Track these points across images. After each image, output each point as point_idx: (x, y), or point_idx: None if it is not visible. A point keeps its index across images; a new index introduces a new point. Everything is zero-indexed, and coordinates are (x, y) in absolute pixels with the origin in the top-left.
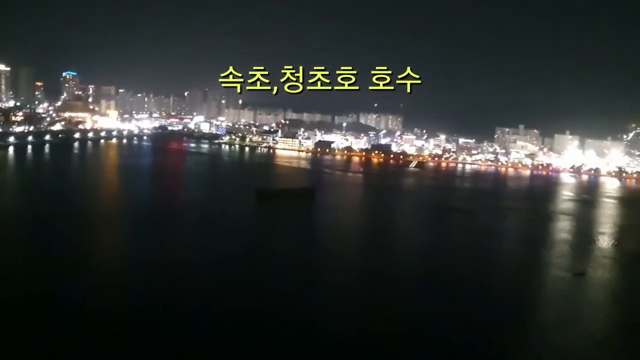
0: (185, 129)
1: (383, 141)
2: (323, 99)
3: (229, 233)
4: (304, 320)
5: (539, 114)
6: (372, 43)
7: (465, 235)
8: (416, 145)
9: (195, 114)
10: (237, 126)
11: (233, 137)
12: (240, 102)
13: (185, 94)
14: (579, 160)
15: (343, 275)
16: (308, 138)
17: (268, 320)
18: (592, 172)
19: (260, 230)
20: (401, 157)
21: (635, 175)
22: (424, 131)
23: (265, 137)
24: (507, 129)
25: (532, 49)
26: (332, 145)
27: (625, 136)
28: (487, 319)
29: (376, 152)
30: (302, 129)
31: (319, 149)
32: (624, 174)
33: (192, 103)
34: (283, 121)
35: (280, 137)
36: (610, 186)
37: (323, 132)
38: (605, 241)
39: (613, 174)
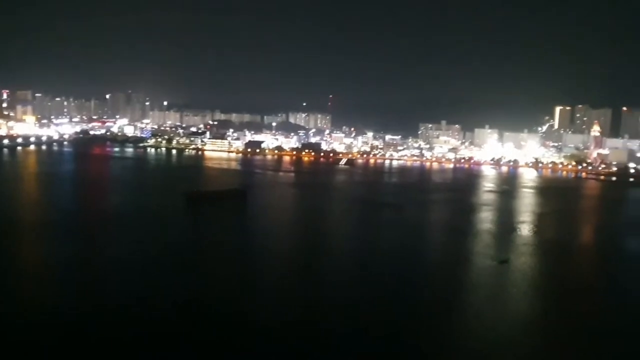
0: (109, 133)
1: (313, 140)
2: (252, 99)
3: (156, 238)
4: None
5: (460, 109)
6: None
7: (394, 229)
8: (345, 143)
9: (118, 117)
10: (163, 128)
11: (159, 139)
12: (165, 103)
13: (107, 96)
14: (498, 152)
15: (275, 271)
16: (237, 139)
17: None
18: (511, 163)
19: (190, 233)
20: (331, 155)
21: (550, 166)
22: (352, 129)
23: (193, 139)
24: (431, 125)
25: (453, 47)
26: (263, 145)
27: (540, 128)
28: (417, 306)
29: (306, 150)
30: (231, 130)
31: (249, 150)
32: (540, 165)
33: (114, 106)
34: (211, 122)
35: (209, 139)
36: (528, 176)
37: (253, 132)
38: (525, 229)
39: (530, 164)
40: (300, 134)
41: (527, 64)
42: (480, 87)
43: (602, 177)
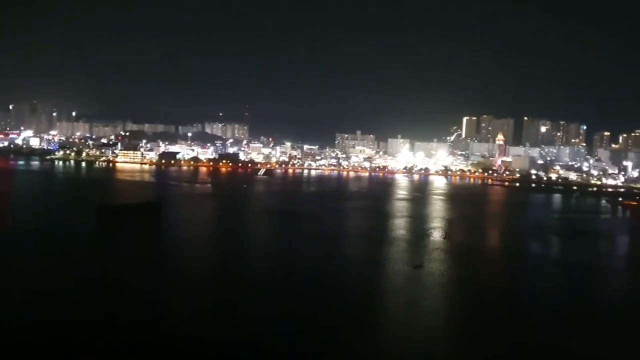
0: (12, 146)
1: (230, 150)
2: (166, 108)
3: (63, 256)
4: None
5: (374, 120)
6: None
7: (311, 238)
8: (263, 153)
9: (22, 128)
10: (71, 140)
11: (67, 152)
12: (74, 114)
13: (10, 107)
14: (410, 161)
15: (190, 284)
16: (151, 150)
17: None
18: (423, 171)
19: (101, 249)
20: (249, 165)
21: (458, 173)
22: (270, 139)
23: (103, 150)
24: (347, 135)
25: (367, 59)
26: (178, 156)
27: (449, 138)
28: (334, 315)
29: (224, 161)
30: (144, 141)
31: (163, 161)
32: (449, 172)
33: (18, 117)
34: (123, 133)
35: (121, 150)
36: (438, 184)
37: (167, 143)
38: (437, 234)
39: (440, 172)
40: (217, 145)
41: (437, 76)
42: (393, 98)
43: (506, 183)
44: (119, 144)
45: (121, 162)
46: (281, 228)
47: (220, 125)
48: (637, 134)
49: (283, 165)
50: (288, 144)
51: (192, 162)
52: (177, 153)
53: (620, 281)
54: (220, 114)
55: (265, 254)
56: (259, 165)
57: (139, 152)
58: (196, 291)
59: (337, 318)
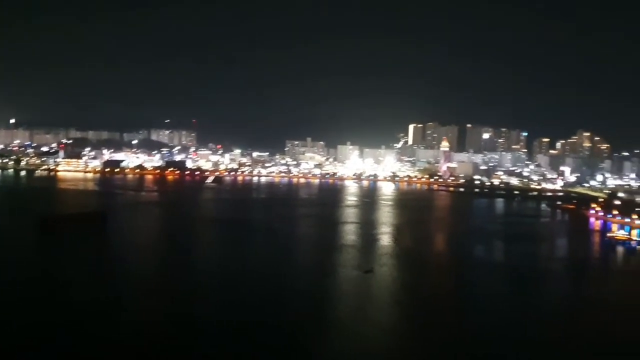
0: None
1: (177, 158)
2: (110, 115)
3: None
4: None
5: (324, 127)
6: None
7: (262, 245)
8: (212, 161)
9: None
10: (9, 148)
11: (5, 160)
12: (12, 121)
13: None
14: (360, 168)
15: (130, 296)
16: (95, 158)
17: None
18: (372, 178)
19: (44, 262)
20: (197, 172)
21: (406, 179)
22: (219, 146)
23: (44, 159)
24: (297, 142)
25: (315, 67)
26: (123, 164)
27: (396, 145)
28: (287, 320)
29: (171, 169)
30: (88, 149)
31: (107, 169)
32: (397, 178)
33: None
34: (65, 141)
35: (63, 158)
36: (387, 189)
37: (112, 150)
38: (386, 239)
39: (388, 178)
40: (163, 152)
41: (384, 84)
42: (342, 106)
43: (451, 188)
44: (61, 152)
45: (63, 171)
46: (231, 236)
47: (167, 132)
48: (574, 140)
49: (232, 173)
50: (237, 151)
51: (137, 170)
52: (122, 161)
53: (559, 283)
54: (167, 121)
55: (214, 263)
56: (207, 173)
57: (82, 160)
58: (143, 302)
59: (287, 323)
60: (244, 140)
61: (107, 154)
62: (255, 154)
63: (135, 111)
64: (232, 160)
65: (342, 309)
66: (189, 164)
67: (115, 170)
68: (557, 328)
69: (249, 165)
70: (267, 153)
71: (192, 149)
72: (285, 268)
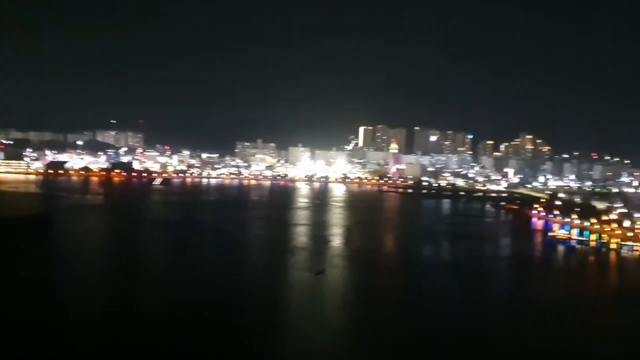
0: None
1: (124, 159)
2: (53, 116)
3: None
4: None
5: (275, 129)
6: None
7: (211, 248)
8: (160, 162)
9: None
10: None
11: None
12: None
13: None
14: (311, 169)
15: (75, 303)
16: (37, 159)
17: None
18: (323, 179)
19: None
20: (144, 174)
21: (356, 180)
22: (167, 147)
23: None
24: (247, 144)
25: (266, 67)
26: (66, 166)
27: (346, 147)
28: (238, 321)
29: (117, 170)
30: (30, 150)
31: (50, 171)
32: (347, 180)
33: None
34: (5, 141)
35: (2, 160)
36: (338, 191)
37: (55, 152)
38: (337, 240)
39: (339, 180)
40: (109, 153)
41: (335, 86)
42: (293, 107)
43: (400, 189)
44: (1, 153)
45: (3, 173)
46: (179, 239)
47: (113, 133)
48: (517, 143)
49: (181, 174)
50: (186, 152)
51: (82, 172)
52: (66, 162)
53: (503, 281)
54: (113, 122)
55: (162, 266)
56: (154, 175)
57: (23, 162)
58: (83, 307)
59: (238, 324)
60: (193, 141)
61: (50, 155)
62: (204, 156)
63: (80, 112)
64: (181, 161)
65: (294, 310)
66: (136, 166)
67: (59, 171)
68: (501, 325)
69: (198, 167)
70: (217, 155)
71: (139, 150)
72: (236, 270)
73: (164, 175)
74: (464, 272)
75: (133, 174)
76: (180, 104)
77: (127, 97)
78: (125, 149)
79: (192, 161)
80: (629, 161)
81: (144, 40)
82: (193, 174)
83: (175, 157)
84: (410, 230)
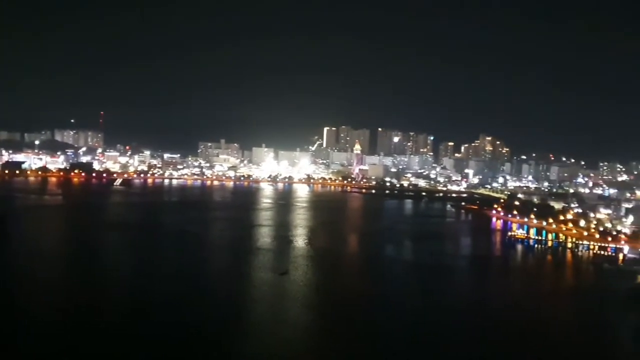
0: None
1: (84, 159)
2: (9, 114)
3: None
4: None
5: (238, 128)
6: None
7: (174, 250)
8: (120, 162)
9: None
10: None
11: None
12: None
13: None
14: (275, 170)
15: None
16: None
17: None
18: (287, 180)
19: None
20: (104, 175)
21: (320, 181)
22: (128, 147)
23: None
24: (210, 144)
25: (229, 66)
26: (24, 166)
27: (310, 147)
28: (202, 322)
29: (76, 171)
30: None
31: (6, 171)
32: (311, 180)
33: None
34: None
35: None
36: (302, 192)
37: (11, 152)
38: (301, 241)
39: (303, 180)
40: (68, 154)
41: (299, 86)
42: (257, 107)
43: (363, 190)
44: None
45: None
46: (141, 240)
47: (71, 132)
48: (476, 144)
49: (142, 175)
50: (147, 152)
51: (40, 172)
52: (23, 162)
53: (463, 280)
54: (72, 121)
55: (123, 267)
56: (115, 175)
57: None
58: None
59: (202, 326)
60: (155, 141)
61: (6, 155)
62: (166, 156)
63: (38, 111)
64: (142, 162)
65: (258, 311)
66: (96, 166)
67: (15, 172)
68: (461, 323)
69: (159, 168)
70: (179, 155)
71: (99, 150)
72: (198, 271)
73: (124, 175)
74: (424, 271)
75: (93, 174)
76: (142, 104)
77: (87, 96)
78: (84, 149)
79: (154, 161)
80: (584, 163)
81: (105, 38)
82: (155, 175)
83: (136, 157)
84: (372, 230)
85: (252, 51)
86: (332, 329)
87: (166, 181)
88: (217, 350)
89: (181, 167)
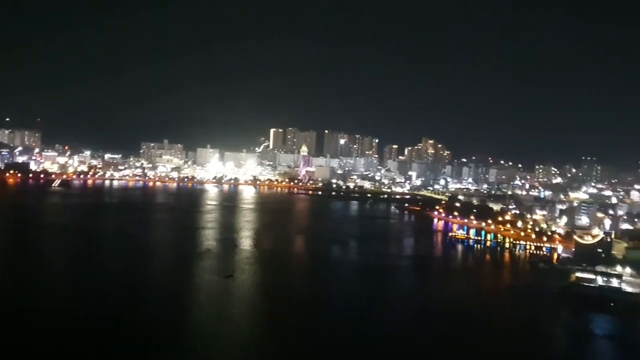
0: None
1: (20, 159)
2: None
3: None
4: None
5: (182, 129)
6: None
7: (115, 253)
8: (59, 163)
9: None
10: None
11: None
12: None
13: None
14: (220, 171)
15: None
16: None
17: None
18: (232, 181)
19: None
20: (42, 176)
21: (267, 183)
22: (67, 147)
23: None
24: (153, 144)
25: (166, 65)
26: None
27: (257, 149)
28: (150, 325)
29: (12, 171)
30: None
31: None
32: (258, 182)
33: None
34: None
35: None
36: (248, 193)
37: None
38: (247, 243)
39: (249, 182)
40: (3, 153)
41: (246, 87)
42: (201, 107)
43: (310, 192)
44: None
45: None
46: (79, 243)
47: (7, 132)
48: (419, 147)
49: (82, 176)
50: (87, 152)
51: None
52: None
53: (406, 278)
54: (7, 120)
55: (59, 272)
56: (53, 176)
57: None
58: None
59: (147, 328)
60: (96, 141)
61: None
62: (107, 156)
63: None
64: (82, 162)
65: (203, 314)
66: (33, 166)
67: None
68: (403, 320)
69: (100, 168)
70: (121, 155)
71: (37, 150)
72: (141, 275)
73: (63, 176)
74: (368, 272)
75: (29, 175)
76: (83, 102)
77: (24, 93)
78: (20, 148)
79: (94, 162)
80: (521, 165)
81: (47, 34)
82: (95, 176)
83: (75, 157)
84: (318, 231)
85: (198, 55)
86: (277, 330)
87: (107, 182)
88: (160, 352)
89: (123, 167)
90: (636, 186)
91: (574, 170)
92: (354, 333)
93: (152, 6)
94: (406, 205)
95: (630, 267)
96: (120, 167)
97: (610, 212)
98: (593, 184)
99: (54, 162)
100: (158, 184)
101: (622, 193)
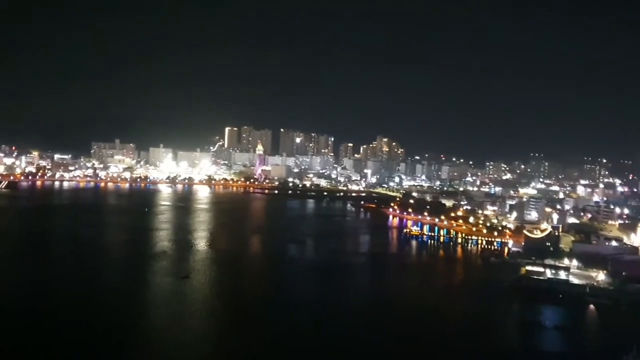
0: None
1: None
2: None
3: None
4: None
5: (134, 128)
6: None
7: (66, 256)
8: (5, 164)
9: None
10: None
11: None
12: None
13: None
14: (174, 171)
15: None
16: None
17: None
18: (187, 181)
19: None
20: None
21: (222, 182)
22: (14, 148)
23: None
24: (104, 144)
25: (115, 66)
26: None
27: (212, 148)
28: (105, 327)
29: None
30: None
31: None
32: (213, 182)
33: None
34: None
35: None
36: (203, 193)
37: None
38: (202, 244)
39: (204, 182)
40: None
41: (200, 86)
42: (153, 106)
43: (266, 190)
44: None
45: None
46: (27, 246)
47: None
48: (374, 145)
49: (30, 177)
50: (36, 153)
51: None
52: None
53: (362, 275)
54: None
55: (12, 274)
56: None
57: None
58: None
59: (101, 330)
60: (44, 141)
61: None
62: (56, 157)
63: None
64: (30, 163)
65: (159, 315)
66: None
67: None
68: (361, 316)
69: (49, 169)
70: (71, 155)
71: None
72: (94, 277)
73: (10, 178)
74: (324, 269)
75: None
76: (29, 101)
77: None
78: None
79: (43, 163)
80: (472, 162)
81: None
82: (44, 177)
83: (23, 158)
84: (274, 230)
85: (147, 54)
86: (232, 329)
87: (57, 183)
88: (115, 354)
89: (73, 168)
90: (582, 181)
91: (522, 166)
92: (308, 331)
93: (114, 17)
94: (362, 203)
95: (577, 259)
96: (70, 168)
97: (558, 206)
98: (541, 180)
99: (0, 163)
100: (110, 184)
101: (568, 188)
